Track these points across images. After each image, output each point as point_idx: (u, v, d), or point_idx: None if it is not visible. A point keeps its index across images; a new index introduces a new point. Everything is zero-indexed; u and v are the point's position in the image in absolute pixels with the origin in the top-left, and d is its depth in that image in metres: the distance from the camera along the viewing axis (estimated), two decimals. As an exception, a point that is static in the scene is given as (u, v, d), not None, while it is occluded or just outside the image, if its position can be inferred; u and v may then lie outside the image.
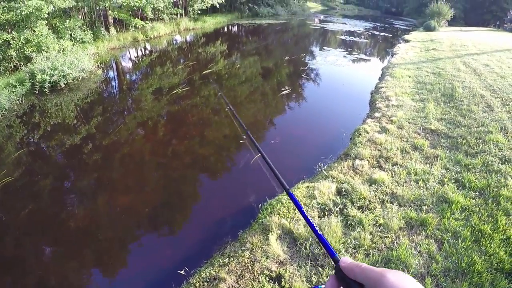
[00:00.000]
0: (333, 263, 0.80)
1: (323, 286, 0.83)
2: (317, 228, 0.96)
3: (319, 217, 4.37)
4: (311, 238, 3.94)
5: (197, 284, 3.61)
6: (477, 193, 4.72)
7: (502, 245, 3.75)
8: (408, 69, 11.97)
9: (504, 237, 3.88)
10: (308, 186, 5.05)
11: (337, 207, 4.45)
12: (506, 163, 5.47)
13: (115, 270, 4.42)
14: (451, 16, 33.90)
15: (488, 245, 3.75)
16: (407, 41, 18.73)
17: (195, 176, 6.24)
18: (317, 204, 4.55)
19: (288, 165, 6.26)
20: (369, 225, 4.11)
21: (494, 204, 4.48)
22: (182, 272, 3.94)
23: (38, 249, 4.79)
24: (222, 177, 6.26)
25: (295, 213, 4.43)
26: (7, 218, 5.36)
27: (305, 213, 1.06)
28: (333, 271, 0.74)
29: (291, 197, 1.17)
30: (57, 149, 7.30)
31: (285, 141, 7.27)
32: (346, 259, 0.72)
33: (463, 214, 4.28)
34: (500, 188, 4.78)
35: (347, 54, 16.43)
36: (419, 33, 21.62)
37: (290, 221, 4.29)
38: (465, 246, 3.72)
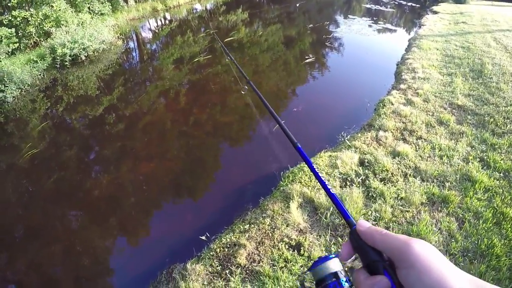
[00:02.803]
0: (348, 227, 0.72)
1: (333, 256, 0.72)
2: (328, 186, 0.87)
3: (340, 187, 4.36)
4: (331, 208, 3.93)
5: (218, 250, 3.66)
6: (501, 175, 4.58)
7: (524, 229, 3.69)
8: (436, 41, 11.60)
9: (527, 221, 3.81)
10: (330, 155, 5.01)
11: (359, 178, 4.42)
12: None
13: (138, 236, 4.56)
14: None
15: (509, 228, 3.67)
16: (435, 12, 18.05)
17: (216, 144, 6.30)
18: (339, 174, 4.53)
19: (310, 133, 6.21)
20: (390, 198, 4.08)
21: None
22: (203, 237, 4.00)
23: (64, 217, 4.98)
24: (244, 144, 6.31)
25: (317, 182, 4.42)
26: (35, 188, 5.56)
27: (313, 166, 0.96)
28: (348, 238, 0.70)
29: (299, 150, 1.08)
30: (80, 121, 7.45)
31: (308, 110, 7.19)
32: (363, 223, 0.67)
33: (486, 194, 4.19)
34: None
35: (372, 23, 15.94)
36: (448, 5, 20.79)
37: (312, 189, 4.29)
38: (485, 228, 3.66)
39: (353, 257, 0.68)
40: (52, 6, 12.64)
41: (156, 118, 7.27)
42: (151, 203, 4.97)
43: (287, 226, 3.78)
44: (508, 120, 6.00)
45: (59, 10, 12.66)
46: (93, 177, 5.70)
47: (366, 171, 4.59)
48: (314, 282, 0.70)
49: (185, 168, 5.62)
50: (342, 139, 5.66)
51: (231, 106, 7.55)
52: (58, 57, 10.44)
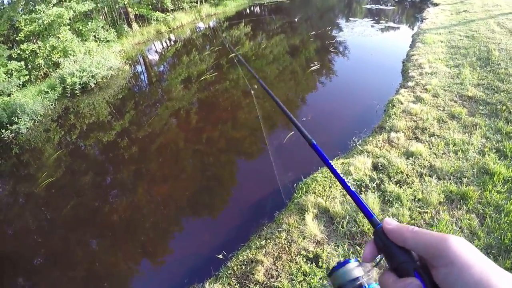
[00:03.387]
0: (372, 227, 0.65)
1: (354, 260, 0.69)
2: (349, 185, 0.78)
3: (355, 194, 4.28)
4: (348, 216, 3.88)
5: (235, 268, 3.64)
6: None
7: (547, 219, 3.57)
8: (439, 33, 11.50)
9: (551, 210, 3.69)
10: (343, 163, 4.96)
11: (373, 183, 4.36)
12: None
13: (157, 258, 4.60)
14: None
15: (533, 220, 3.58)
16: (436, 4, 17.92)
17: (229, 160, 6.36)
18: (353, 181, 4.47)
19: (321, 142, 6.09)
20: (407, 201, 4.01)
21: None
22: (220, 256, 3.99)
23: (83, 242, 5.04)
24: (256, 158, 6.31)
25: (331, 191, 4.39)
26: (53, 215, 5.68)
27: (331, 163, 0.86)
28: (372, 237, 0.63)
29: (314, 147, 0.96)
30: (94, 147, 7.61)
31: (318, 118, 7.17)
32: (390, 221, 0.61)
33: (505, 186, 4.08)
34: None
35: (374, 23, 15.91)
36: (448, -5, 20.70)
37: (326, 199, 4.25)
38: (508, 221, 3.55)
39: (377, 259, 0.63)
40: (59, 37, 12.94)
41: (169, 139, 7.37)
42: (168, 224, 5.02)
43: (303, 238, 3.74)
44: None
45: (66, 40, 12.98)
46: (109, 202, 5.78)
47: (380, 175, 4.52)
48: None
49: (199, 187, 5.66)
50: (354, 144, 5.60)
51: (241, 121, 7.58)
52: (68, 86, 10.65)
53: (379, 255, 0.61)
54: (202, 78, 10.48)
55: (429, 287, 0.51)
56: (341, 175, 0.81)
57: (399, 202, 3.98)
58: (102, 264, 4.53)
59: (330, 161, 0.86)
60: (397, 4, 21.06)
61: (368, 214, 0.68)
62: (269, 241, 3.86)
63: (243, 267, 3.62)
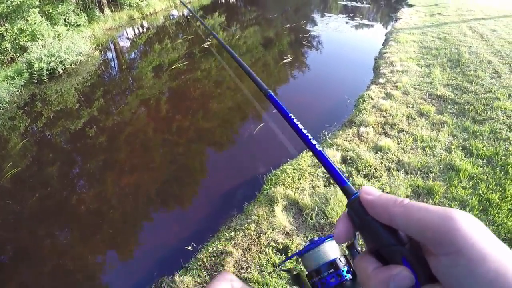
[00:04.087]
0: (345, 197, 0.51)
1: (329, 238, 0.59)
2: (314, 143, 0.63)
3: (324, 186, 4.32)
4: (316, 208, 3.88)
5: (205, 259, 3.61)
6: (485, 161, 4.62)
7: (510, 215, 3.68)
8: (412, 34, 11.69)
9: (512, 206, 3.81)
10: (313, 155, 4.95)
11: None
12: None
13: (126, 250, 4.50)
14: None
15: (496, 214, 3.69)
16: (411, 5, 18.22)
17: (199, 150, 6.27)
18: (323, 174, 4.50)
19: (291, 134, 6.13)
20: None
21: (502, 173, 4.38)
22: (190, 247, 3.94)
23: (51, 235, 4.87)
24: (226, 149, 6.29)
25: (300, 183, 4.40)
26: (19, 208, 5.44)
27: (289, 113, 0.72)
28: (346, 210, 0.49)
29: (270, 97, 0.86)
30: (61, 135, 7.34)
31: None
32: (370, 190, 0.46)
33: (470, 182, 4.20)
34: (508, 157, 4.67)
35: (349, 19, 16.03)
36: (423, -3, 21.09)
37: (295, 191, 4.26)
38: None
39: (355, 238, 0.52)
40: (27, 20, 12.44)
41: (138, 128, 7.20)
42: (137, 215, 4.91)
43: (273, 230, 3.73)
44: (487, 107, 6.05)
45: (34, 23, 12.45)
46: (77, 193, 5.60)
47: (349, 168, 4.57)
48: (306, 273, 0.57)
49: (168, 177, 5.57)
50: (324, 137, 5.62)
51: (212, 111, 7.49)
52: (35, 72, 10.18)
53: (356, 234, 0.48)
54: (173, 67, 10.27)
55: (422, 280, 0.39)
56: (304, 132, 0.65)
57: (367, 195, 4.01)
58: (70, 258, 4.39)
59: (289, 114, 0.72)
60: (373, 2, 21.27)
61: (340, 180, 0.54)
62: (238, 232, 3.83)
63: (213, 259, 3.59)
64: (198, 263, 3.59)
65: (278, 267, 3.23)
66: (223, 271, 0.64)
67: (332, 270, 0.55)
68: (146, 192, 5.26)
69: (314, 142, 0.62)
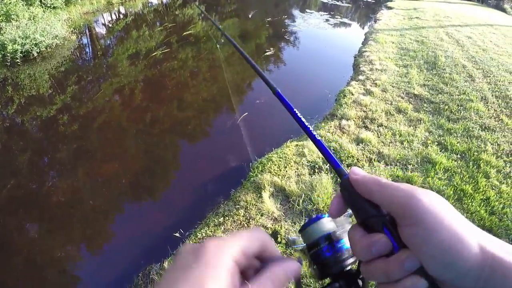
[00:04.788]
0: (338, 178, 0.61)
1: (325, 215, 0.65)
2: (314, 133, 0.72)
3: (309, 174, 4.47)
4: (303, 195, 4.03)
5: (194, 246, 3.64)
6: (458, 156, 4.91)
7: (482, 204, 3.95)
8: (391, 35, 12.00)
9: (484, 197, 4.09)
10: (297, 145, 5.12)
11: (326, 165, 4.55)
12: (485, 130, 5.67)
13: (108, 241, 4.35)
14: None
15: (470, 203, 3.95)
16: (390, 8, 18.63)
17: (181, 139, 6.25)
18: (307, 162, 4.65)
19: (274, 124, 6.28)
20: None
21: (475, 167, 4.67)
22: (177, 234, 3.91)
23: (22, 227, 4.63)
24: (211, 138, 6.25)
25: (286, 171, 4.52)
26: None
27: (296, 111, 0.80)
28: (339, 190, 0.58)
29: (278, 95, 0.92)
30: (32, 122, 6.94)
31: (270, 101, 7.11)
32: (357, 171, 0.55)
33: (446, 174, 4.47)
34: (480, 153, 4.97)
35: (329, 17, 16.24)
36: (402, 1, 21.54)
37: (282, 178, 4.38)
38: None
39: (347, 213, 0.58)
40: (2, 0, 12.02)
41: (113, 117, 7.01)
42: (116, 205, 4.80)
43: (261, 215, 3.84)
44: (461, 107, 6.36)
45: (10, 3, 12.01)
46: (49, 183, 5.34)
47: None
48: (306, 247, 0.64)
49: (148, 166, 5.49)
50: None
51: (195, 100, 7.50)
52: (8, 54, 9.84)
53: (348, 210, 0.57)
54: (151, 55, 10.14)
55: (398, 243, 0.47)
56: (307, 124, 0.76)
57: (349, 183, 4.19)
58: (46, 251, 4.20)
59: (294, 109, 0.80)
60: (352, 2, 21.61)
61: (335, 163, 0.64)
62: (227, 218, 3.89)
63: (203, 245, 3.64)
64: (187, 249, 3.63)
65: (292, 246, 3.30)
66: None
67: (327, 242, 0.61)
68: (129, 180, 5.15)
69: (314, 132, 0.72)
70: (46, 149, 6.31)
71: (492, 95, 7.06)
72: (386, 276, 0.47)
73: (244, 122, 6.20)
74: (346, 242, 0.60)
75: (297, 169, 4.58)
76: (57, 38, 11.31)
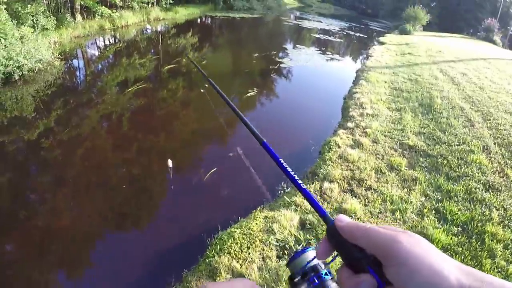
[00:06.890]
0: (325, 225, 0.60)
1: (311, 248, 0.65)
2: (300, 182, 0.72)
3: (277, 257, 3.65)
4: (266, 286, 3.21)
5: None
6: (460, 229, 4.18)
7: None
8: (383, 73, 11.52)
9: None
10: (266, 216, 4.24)
11: (299, 246, 3.72)
12: (490, 191, 5.00)
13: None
14: (427, 21, 33.94)
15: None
16: (382, 43, 18.45)
17: (131, 199, 5.33)
18: (276, 241, 3.81)
19: (246, 184, 5.44)
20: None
21: (478, 243, 3.94)
22: None
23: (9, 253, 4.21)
24: (169, 199, 5.35)
25: (249, 253, 3.70)
26: None
27: (282, 162, 0.81)
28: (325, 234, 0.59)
29: (265, 146, 0.92)
30: (12, 146, 6.46)
31: (246, 154, 6.27)
32: (343, 218, 0.57)
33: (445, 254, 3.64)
34: (485, 223, 4.27)
35: (320, 53, 15.98)
36: (394, 36, 21.48)
37: (242, 263, 3.56)
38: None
39: (333, 255, 0.59)
40: (-8, 17, 11.57)
41: (98, 145, 6.57)
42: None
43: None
44: (462, 161, 5.74)
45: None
46: (29, 209, 4.84)
47: (308, 235, 3.89)
48: (294, 279, 0.64)
49: (89, 231, 4.69)
50: (282, 191, 4.95)
51: (155, 148, 6.74)
52: None
53: (334, 252, 0.58)
54: (127, 91, 9.54)
55: (383, 281, 0.49)
56: (292, 173, 0.76)
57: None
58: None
59: (280, 159, 0.83)
60: (345, 38, 21.45)
61: (321, 211, 0.66)
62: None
63: None
64: None
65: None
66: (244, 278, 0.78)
67: (313, 273, 0.61)
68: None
69: (300, 181, 0.73)
70: (27, 174, 5.96)
71: (494, 143, 6.51)
72: None
73: (211, 180, 5.38)
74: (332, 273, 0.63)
75: (263, 250, 3.74)
76: (41, 62, 10.87)
